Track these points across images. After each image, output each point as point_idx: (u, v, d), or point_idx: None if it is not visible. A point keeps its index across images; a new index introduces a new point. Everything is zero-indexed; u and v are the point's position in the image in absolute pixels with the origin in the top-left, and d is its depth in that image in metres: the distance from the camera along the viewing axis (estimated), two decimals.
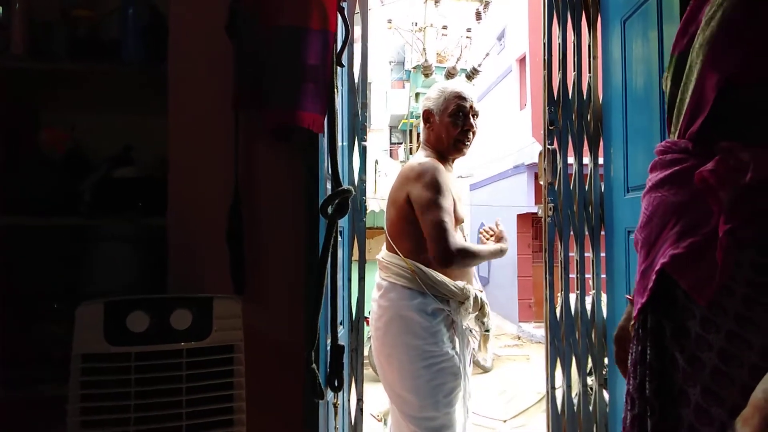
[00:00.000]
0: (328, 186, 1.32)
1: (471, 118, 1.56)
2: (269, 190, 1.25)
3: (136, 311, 0.99)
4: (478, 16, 9.48)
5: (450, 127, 1.54)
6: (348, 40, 1.32)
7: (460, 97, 1.55)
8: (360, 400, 1.66)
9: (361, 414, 1.65)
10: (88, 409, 0.95)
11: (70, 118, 1.35)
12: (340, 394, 1.28)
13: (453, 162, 1.62)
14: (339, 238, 1.42)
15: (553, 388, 1.81)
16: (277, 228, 1.25)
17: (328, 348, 1.22)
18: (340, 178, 1.23)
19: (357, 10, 1.70)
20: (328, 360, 1.19)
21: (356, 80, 1.72)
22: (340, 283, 1.33)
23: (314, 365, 1.10)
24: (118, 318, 0.98)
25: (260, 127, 1.23)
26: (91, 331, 0.96)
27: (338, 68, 1.26)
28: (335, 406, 1.27)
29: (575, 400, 1.77)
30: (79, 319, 0.97)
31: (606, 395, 1.72)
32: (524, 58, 8.39)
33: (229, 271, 1.20)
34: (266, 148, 1.25)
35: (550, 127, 1.84)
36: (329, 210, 1.17)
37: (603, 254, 1.78)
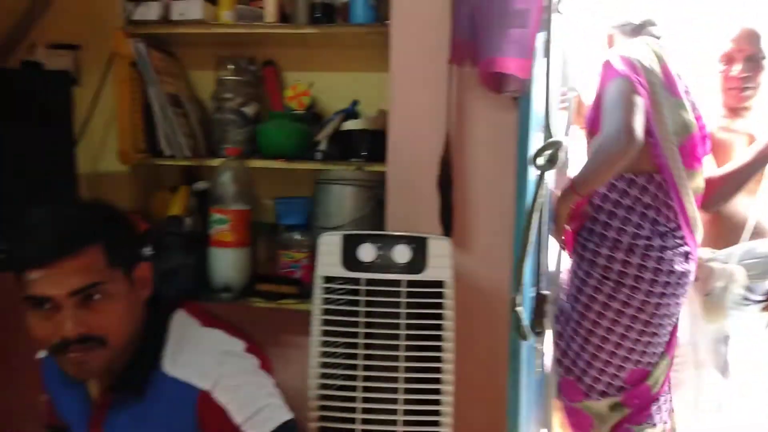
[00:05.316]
0: (540, 137, 1.33)
1: None
2: (480, 140, 1.30)
3: (366, 243, 1.14)
4: None
5: None
6: None
7: None
8: None
9: None
10: (327, 321, 1.13)
11: (309, 77, 1.57)
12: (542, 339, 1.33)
13: None
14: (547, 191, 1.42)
15: None
16: (486, 176, 1.30)
17: (533, 296, 1.27)
18: (552, 129, 1.23)
19: None
20: (533, 306, 1.24)
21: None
22: (546, 235, 1.35)
23: (519, 308, 1.16)
24: (351, 248, 1.14)
25: (474, 79, 1.28)
26: (331, 257, 1.14)
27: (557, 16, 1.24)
28: (538, 350, 1.33)
29: None
30: (321, 247, 1.16)
31: None
32: None
33: (439, 214, 1.30)
34: (479, 100, 1.30)
35: None
36: (540, 160, 1.18)
37: None
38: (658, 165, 1.37)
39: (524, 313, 1.18)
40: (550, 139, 1.19)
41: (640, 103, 1.31)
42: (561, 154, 1.20)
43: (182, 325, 0.94)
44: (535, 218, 1.20)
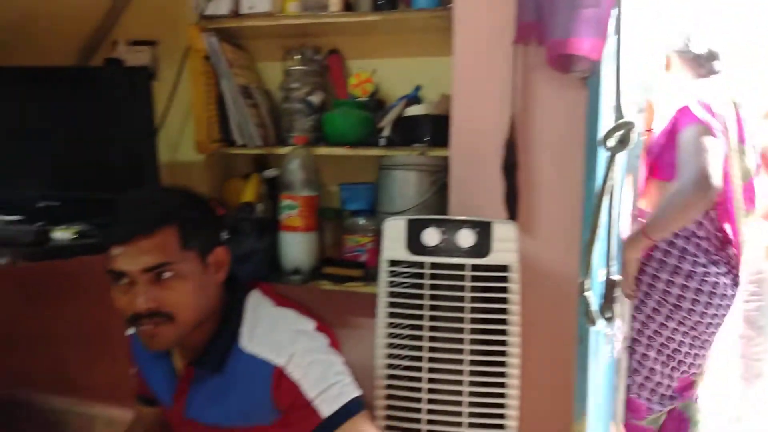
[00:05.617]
0: (610, 117, 1.28)
1: None
2: (546, 121, 1.28)
3: (430, 228, 1.15)
4: None
5: None
6: None
7: None
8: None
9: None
10: (392, 303, 1.16)
11: (372, 64, 1.59)
12: (612, 324, 1.29)
13: None
14: (617, 174, 1.38)
15: None
16: (552, 159, 1.28)
17: (602, 280, 1.23)
18: (623, 109, 1.18)
19: None
20: (602, 291, 1.21)
21: None
22: (616, 219, 1.31)
23: (587, 293, 1.14)
24: (416, 233, 1.16)
25: (540, 59, 1.25)
26: (396, 242, 1.16)
27: None
28: (608, 336, 1.30)
29: None
30: (386, 231, 1.18)
31: None
32: None
33: (504, 198, 1.29)
34: (545, 81, 1.27)
35: None
36: (611, 142, 1.14)
37: None
38: (718, 204, 1.48)
39: (593, 297, 1.16)
40: (621, 120, 1.15)
41: (719, 149, 1.38)
42: (633, 135, 1.15)
43: (257, 304, 1.00)
44: (605, 201, 1.17)
